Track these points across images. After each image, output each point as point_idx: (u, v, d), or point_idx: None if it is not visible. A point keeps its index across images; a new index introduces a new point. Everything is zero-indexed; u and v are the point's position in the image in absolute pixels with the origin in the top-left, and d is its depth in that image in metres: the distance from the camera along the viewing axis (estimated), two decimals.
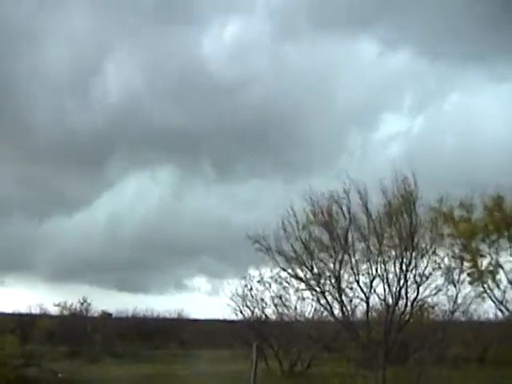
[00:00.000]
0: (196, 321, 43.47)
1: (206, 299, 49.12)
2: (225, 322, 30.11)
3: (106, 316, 41.29)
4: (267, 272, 23.51)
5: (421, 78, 61.59)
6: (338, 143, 58.88)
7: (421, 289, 18.53)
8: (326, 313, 21.00)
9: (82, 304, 36.77)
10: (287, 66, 61.21)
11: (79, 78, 61.37)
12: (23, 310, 41.41)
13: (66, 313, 36.99)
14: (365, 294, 18.93)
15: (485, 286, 21.63)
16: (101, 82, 62.17)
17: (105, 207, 64.64)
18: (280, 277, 22.08)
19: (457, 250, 20.05)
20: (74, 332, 34.43)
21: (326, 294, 19.56)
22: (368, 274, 18.80)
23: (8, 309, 44.37)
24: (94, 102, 60.85)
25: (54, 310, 38.51)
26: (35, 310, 40.78)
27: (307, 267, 19.66)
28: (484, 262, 21.70)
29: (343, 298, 19.18)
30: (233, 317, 26.00)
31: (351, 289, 19.07)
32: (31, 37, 59.07)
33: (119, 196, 66.44)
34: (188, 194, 65.62)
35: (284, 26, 62.43)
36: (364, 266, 18.82)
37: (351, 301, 19.21)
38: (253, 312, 24.96)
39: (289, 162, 58.55)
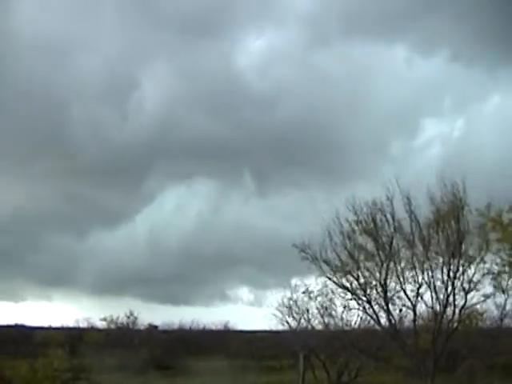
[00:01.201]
0: (242, 332, 43.43)
1: (250, 310, 49.09)
2: (270, 332, 29.99)
3: (152, 328, 41.53)
4: (312, 282, 23.39)
5: (458, 81, 61.05)
6: (379, 150, 58.43)
7: (469, 296, 18.30)
8: (372, 322, 20.80)
9: (128, 317, 37.08)
10: (321, 74, 61.02)
11: (117, 92, 62.02)
12: (71, 324, 41.93)
13: (112, 326, 37.28)
14: (411, 302, 18.74)
15: None
16: (138, 96, 62.74)
17: (146, 221, 65.11)
18: (326, 286, 21.92)
19: (505, 256, 19.66)
20: (121, 345, 34.67)
21: (373, 302, 19.41)
22: (414, 281, 18.63)
23: (56, 323, 44.98)
24: (132, 116, 61.41)
25: (101, 324, 38.91)
26: (83, 324, 41.25)
27: (353, 276, 19.55)
28: None
29: (390, 306, 19.01)
30: (278, 327, 25.87)
31: (398, 298, 18.90)
32: (68, 51, 59.87)
33: (159, 209, 66.88)
34: (228, 206, 65.73)
35: (316, 34, 62.32)
36: (410, 274, 18.65)
37: (399, 309, 19.04)
38: (299, 322, 24.79)
39: (329, 171, 58.32)
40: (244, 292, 71.42)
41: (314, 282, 23.00)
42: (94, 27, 61.44)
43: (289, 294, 24.71)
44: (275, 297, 25.23)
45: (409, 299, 18.69)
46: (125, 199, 63.10)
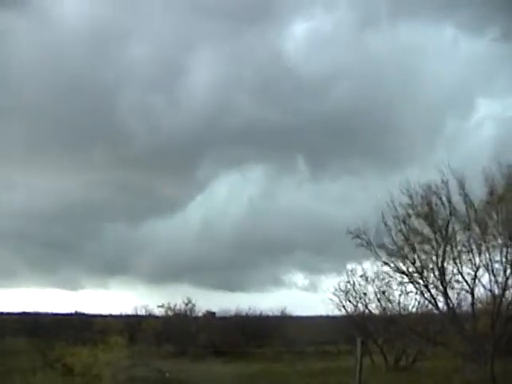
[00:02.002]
0: (298, 318, 43.41)
1: (305, 295, 49.04)
2: (327, 318, 29.93)
3: (209, 315, 41.78)
4: (368, 266, 23.30)
5: (510, 60, 59.68)
6: (431, 132, 57.64)
7: None
8: (430, 306, 20.61)
9: (186, 304, 37.33)
10: (372, 56, 60.35)
11: (166, 79, 62.29)
12: (129, 311, 42.46)
13: (170, 313, 37.62)
14: (469, 286, 18.49)
15: None
16: (188, 83, 62.93)
17: (199, 208, 65.51)
18: (382, 271, 21.79)
19: None
20: (179, 332, 35.01)
21: (430, 286, 19.22)
22: (472, 264, 18.38)
23: (114, 311, 45.61)
24: (182, 103, 61.58)
25: (158, 311, 39.30)
26: (141, 312, 41.72)
27: (409, 260, 19.39)
28: None
29: (447, 290, 18.80)
30: (335, 313, 25.81)
31: (456, 281, 18.68)
32: (116, 39, 60.26)
33: (212, 196, 67.18)
34: (281, 191, 65.70)
35: (364, 16, 61.65)
36: (467, 257, 18.40)
37: (456, 293, 18.83)
38: (356, 307, 24.73)
39: (381, 155, 57.75)
40: (298, 277, 71.44)
41: (370, 267, 22.96)
42: (141, 14, 61.78)
43: (345, 279, 24.71)
44: (330, 281, 25.26)
45: (466, 282, 18.44)
46: (178, 187, 63.53)
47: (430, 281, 19.17)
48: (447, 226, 18.66)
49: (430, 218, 18.97)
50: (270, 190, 63.52)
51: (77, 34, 58.04)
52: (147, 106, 60.05)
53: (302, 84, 60.01)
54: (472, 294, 18.41)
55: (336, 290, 24.89)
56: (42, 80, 57.12)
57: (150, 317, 40.47)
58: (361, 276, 23.92)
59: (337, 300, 24.92)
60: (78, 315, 45.37)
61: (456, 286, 18.87)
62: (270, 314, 42.06)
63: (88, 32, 58.77)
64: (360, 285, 24.30)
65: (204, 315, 40.41)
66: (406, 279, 20.20)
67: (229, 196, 64.77)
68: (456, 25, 65.11)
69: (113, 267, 61.16)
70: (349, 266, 25.23)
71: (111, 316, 44.93)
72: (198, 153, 62.53)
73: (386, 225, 19.70)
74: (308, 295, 48.48)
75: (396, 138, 56.35)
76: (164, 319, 38.09)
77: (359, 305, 24.58)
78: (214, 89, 60.98)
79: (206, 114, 60.13)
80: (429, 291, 19.37)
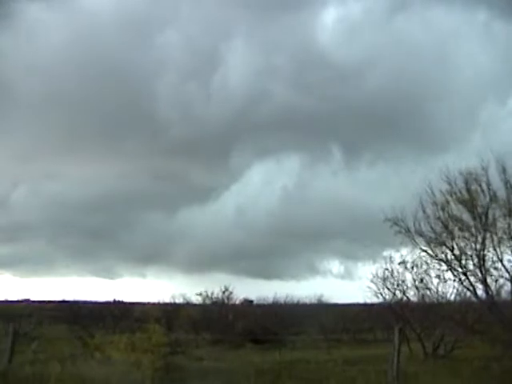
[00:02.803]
0: (335, 305, 43.35)
1: (341, 283, 48.99)
2: (364, 305, 29.85)
3: (247, 303, 41.92)
4: (406, 253, 23.14)
5: None
6: (468, 117, 56.99)
7: None
8: (468, 294, 20.43)
9: (223, 292, 37.45)
10: (404, 41, 59.94)
11: (201, 68, 62.67)
12: (167, 299, 42.76)
13: (208, 301, 37.77)
14: (509, 273, 18.30)
15: None
16: (222, 71, 63.20)
17: (234, 196, 65.81)
18: (421, 258, 21.63)
19: None
20: (217, 320, 35.15)
21: (469, 274, 19.05)
22: None
23: (151, 299, 46.05)
24: (217, 91, 61.84)
25: (196, 300, 39.50)
26: (178, 300, 41.98)
27: (448, 248, 19.23)
28: None
29: (487, 277, 18.62)
30: (373, 300, 25.70)
31: (495, 268, 18.48)
32: (150, 29, 60.26)
33: (247, 185, 67.38)
34: (316, 179, 65.67)
35: (396, 0, 61.01)
36: (508, 244, 18.20)
37: (496, 280, 18.63)
38: (394, 295, 24.57)
39: (418, 141, 57.38)
40: (334, 265, 71.53)
41: (408, 254, 22.80)
42: (177, 3, 61.96)
43: (383, 266, 24.56)
44: (366, 269, 25.15)
45: (506, 270, 18.26)
46: (213, 175, 63.89)
47: (469, 268, 19.01)
48: (487, 213, 18.49)
49: (469, 204, 18.80)
50: (305, 178, 63.57)
51: (111, 23, 58.47)
52: (182, 95, 60.44)
53: (336, 71, 59.97)
54: None
55: (374, 277, 24.78)
56: (78, 70, 57.76)
57: (187, 305, 40.71)
58: (399, 263, 23.76)
59: (374, 287, 24.82)
60: (117, 303, 45.82)
61: (495, 273, 18.71)
62: (307, 301, 42.15)
63: (123, 21, 59.21)
64: (398, 272, 24.16)
65: (241, 303, 40.54)
66: (444, 266, 20.06)
67: (264, 184, 64.93)
68: (488, 8, 64.33)
69: (150, 256, 61.78)
70: (385, 254, 25.11)
71: (149, 304, 45.35)
72: (232, 141, 62.85)
73: (424, 212, 19.59)
74: (343, 283, 48.56)
75: (432, 123, 55.98)
76: (201, 307, 38.27)
77: (397, 292, 24.44)
78: (249, 77, 61.18)
79: (240, 102, 60.35)
80: (467, 279, 19.23)
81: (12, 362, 16.99)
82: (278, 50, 61.99)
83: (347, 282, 47.55)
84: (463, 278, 19.33)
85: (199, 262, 58.29)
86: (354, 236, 48.20)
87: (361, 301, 27.90)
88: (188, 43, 61.04)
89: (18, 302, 53.72)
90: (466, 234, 18.96)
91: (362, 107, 58.85)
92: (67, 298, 49.16)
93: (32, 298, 54.62)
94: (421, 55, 59.01)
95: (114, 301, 46.99)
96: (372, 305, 27.35)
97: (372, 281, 24.75)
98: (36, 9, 60.14)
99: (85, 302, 47.10)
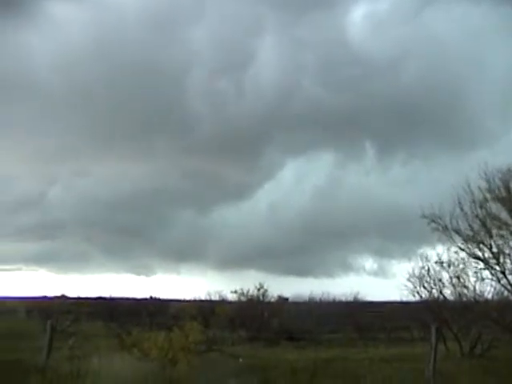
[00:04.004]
0: (371, 303, 43.21)
1: (375, 280, 48.82)
2: (400, 303, 29.69)
3: (282, 301, 41.92)
4: (442, 251, 22.98)
5: None
6: (504, 113, 56.10)
7: None
8: (506, 292, 20.23)
9: (258, 290, 37.50)
10: (434, 36, 59.10)
11: (232, 65, 62.53)
12: (202, 297, 43.01)
13: (243, 299, 37.85)
14: None
15: None
16: (253, 68, 63.05)
17: (267, 194, 65.90)
18: (458, 256, 21.47)
19: None
20: (252, 317, 35.22)
21: (507, 273, 18.89)
22: None
23: (185, 296, 46.34)
24: (248, 88, 61.71)
25: (231, 297, 39.63)
26: (214, 297, 42.20)
27: (486, 246, 19.07)
28: None
29: None
30: (409, 298, 25.54)
31: None
32: (179, 25, 60.22)
33: (280, 183, 67.37)
34: (349, 177, 65.52)
35: None
36: None
37: None
38: (430, 293, 24.40)
39: (452, 138, 56.71)
40: (367, 262, 71.22)
41: (443, 252, 22.64)
42: (204, 0, 61.84)
43: (419, 264, 24.41)
44: (400, 266, 25.05)
45: None
46: (245, 173, 63.90)
47: (507, 267, 18.84)
48: None
49: (508, 202, 18.61)
50: (338, 175, 63.46)
51: (139, 19, 58.55)
52: (213, 92, 60.41)
53: (367, 67, 59.59)
54: None
55: (410, 275, 24.63)
56: (106, 68, 58.06)
57: (223, 302, 40.89)
58: (436, 262, 23.59)
59: (411, 285, 24.67)
60: (153, 300, 46.19)
61: None
62: (343, 299, 42.02)
63: (152, 18, 59.32)
64: (434, 270, 23.98)
65: (276, 301, 40.56)
66: (481, 265, 19.90)
67: (297, 182, 64.90)
68: None
69: (184, 253, 62.13)
70: (420, 251, 24.96)
71: (184, 301, 45.66)
72: (264, 138, 62.78)
73: (462, 209, 19.44)
74: (377, 280, 48.32)
75: (465, 120, 55.38)
76: (237, 304, 38.38)
77: (434, 291, 24.27)
78: (280, 74, 61.04)
79: (271, 99, 60.20)
80: (505, 277, 19.05)
81: (50, 358, 17.23)
82: (308, 46, 61.79)
83: (381, 280, 47.38)
84: (501, 276, 19.17)
85: (232, 260, 58.53)
86: (387, 233, 48.06)
87: (396, 298, 27.75)
88: (218, 40, 61.11)
89: (54, 298, 54.37)
90: (505, 233, 18.81)
91: (395, 104, 58.45)
92: (103, 295, 49.71)
93: (68, 295, 55.27)
94: (451, 50, 58.39)
95: (150, 297, 47.39)
96: (408, 303, 27.19)
97: (408, 279, 24.62)
98: (63, 6, 60.63)
99: (121, 299, 47.59)
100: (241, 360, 20.28)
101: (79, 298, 51.13)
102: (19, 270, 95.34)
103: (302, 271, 56.81)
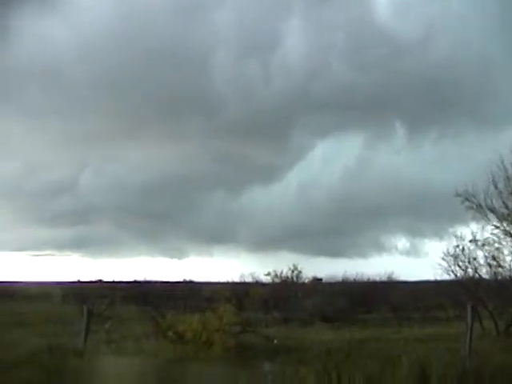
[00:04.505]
0: (405, 283, 42.99)
1: (408, 260, 48.56)
2: (434, 282, 29.52)
3: (316, 281, 41.93)
4: (476, 230, 22.76)
5: None
6: None
7: None
8: None
9: (292, 271, 37.50)
10: (462, 13, 58.10)
11: (259, 47, 62.13)
12: (236, 279, 43.14)
13: (277, 280, 37.89)
14: None
15: None
16: (280, 49, 62.70)
17: (297, 176, 65.73)
18: (493, 235, 21.25)
19: None
20: (286, 298, 35.26)
21: None
22: None
23: (219, 278, 46.54)
24: (276, 70, 61.33)
25: (265, 279, 39.70)
26: (247, 279, 42.31)
27: None
28: None
29: None
30: (443, 277, 25.37)
31: None
32: (205, 8, 59.97)
33: (309, 164, 67.17)
34: (379, 156, 65.06)
35: None
36: None
37: None
38: (465, 272, 24.22)
39: (482, 116, 55.98)
40: (399, 241, 70.97)
41: (477, 230, 22.44)
42: None
43: (453, 243, 24.22)
44: (432, 245, 24.86)
45: None
46: (274, 155, 63.77)
47: None
48: None
49: None
50: (368, 156, 63.09)
51: (165, 2, 58.31)
52: (241, 74, 60.16)
53: (395, 45, 58.85)
54: None
55: (445, 254, 24.45)
56: (134, 53, 58.03)
57: (256, 284, 40.98)
58: (470, 241, 23.39)
59: (445, 265, 24.50)
60: (186, 283, 46.45)
61: None
62: (377, 279, 41.88)
63: (177, 0, 58.87)
64: (469, 249, 23.78)
65: (310, 281, 40.58)
66: None
67: (326, 162, 64.70)
68: None
69: (216, 235, 62.34)
70: (452, 230, 24.75)
71: (218, 283, 45.84)
72: (293, 120, 62.53)
73: (496, 187, 19.22)
74: (410, 260, 48.08)
75: (496, 96, 54.57)
76: (271, 286, 38.44)
77: (469, 270, 24.08)
78: (309, 54, 60.61)
79: (299, 80, 59.84)
80: None
81: (87, 341, 17.44)
82: (335, 26, 61.15)
83: (414, 259, 47.17)
84: None
85: (265, 241, 58.62)
86: (419, 213, 47.81)
87: (430, 278, 27.60)
88: (245, 21, 60.81)
89: (89, 282, 55.00)
90: None
91: (424, 82, 57.83)
92: (137, 279, 50.11)
93: (103, 279, 55.86)
94: (479, 27, 57.44)
95: (184, 280, 47.67)
96: (442, 282, 27.03)
97: (443, 258, 24.44)
98: None
99: (154, 282, 47.94)
100: (275, 341, 20.33)
101: (114, 282, 51.71)
102: (53, 255, 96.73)
103: (334, 252, 56.81)
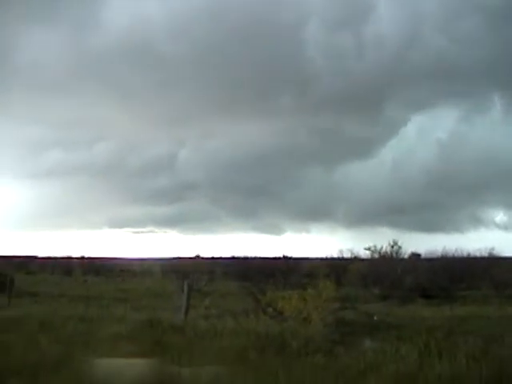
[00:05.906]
0: (507, 258, 41.96)
1: (508, 235, 47.23)
2: None
3: (415, 257, 41.47)
4: None
5: None
6: None
7: None
8: None
9: (392, 247, 37.16)
10: None
11: (352, 17, 61.16)
12: (334, 255, 43.18)
13: (376, 256, 37.64)
14: None
15: None
16: (374, 20, 61.48)
17: (391, 151, 64.95)
18: None
19: None
20: (385, 274, 35.01)
21: None
22: None
23: (316, 254, 46.74)
24: (369, 41, 60.29)
25: (364, 254, 39.54)
26: (346, 255, 42.25)
27: None
28: None
29: None
30: None
31: None
32: None
33: (404, 138, 66.15)
34: (476, 130, 63.35)
35: None
36: None
37: None
38: None
39: None
40: (497, 215, 69.57)
41: None
42: None
43: None
44: None
45: None
46: (369, 130, 63.23)
47: None
48: None
49: None
50: (463, 130, 61.62)
51: None
52: (333, 47, 59.59)
53: (493, 15, 56.84)
54: None
55: None
56: (225, 29, 58.31)
57: (355, 259, 40.87)
58: None
59: None
60: (285, 259, 46.74)
61: None
62: (478, 254, 41.04)
63: None
64: None
65: (409, 257, 40.14)
66: None
67: (420, 138, 63.64)
68: None
69: (312, 211, 62.47)
70: None
71: (316, 259, 45.98)
72: (386, 93, 61.79)
73: None
74: (508, 234, 46.95)
75: None
76: (369, 262, 38.25)
77: None
78: (401, 25, 59.44)
79: (392, 52, 58.81)
80: None
81: (187, 316, 17.87)
82: None
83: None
84: None
85: (361, 217, 58.49)
86: None
87: None
88: None
89: (188, 258, 55.96)
90: None
91: None
92: (235, 255, 50.75)
93: (201, 255, 56.77)
94: None
95: (283, 256, 47.98)
96: None
97: None
98: None
99: (253, 258, 48.46)
100: (375, 318, 20.32)
101: (212, 258, 52.56)
102: (152, 232, 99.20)
103: (431, 227, 56.16)
